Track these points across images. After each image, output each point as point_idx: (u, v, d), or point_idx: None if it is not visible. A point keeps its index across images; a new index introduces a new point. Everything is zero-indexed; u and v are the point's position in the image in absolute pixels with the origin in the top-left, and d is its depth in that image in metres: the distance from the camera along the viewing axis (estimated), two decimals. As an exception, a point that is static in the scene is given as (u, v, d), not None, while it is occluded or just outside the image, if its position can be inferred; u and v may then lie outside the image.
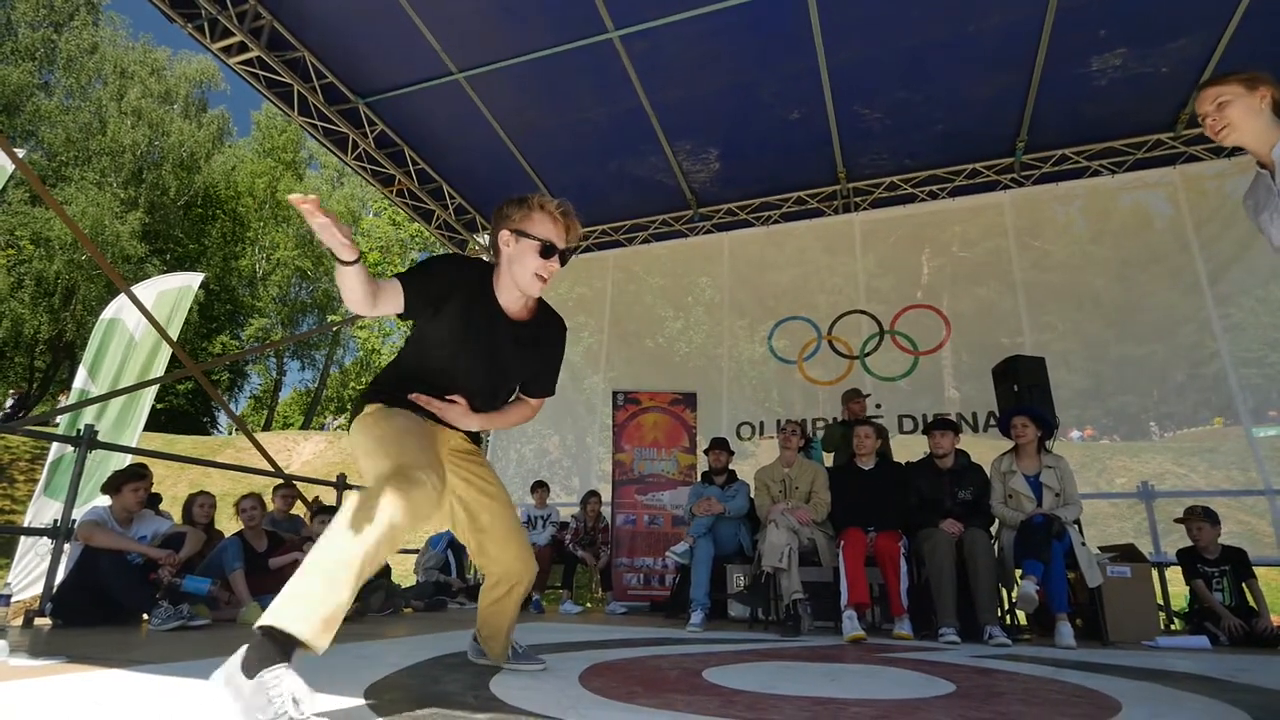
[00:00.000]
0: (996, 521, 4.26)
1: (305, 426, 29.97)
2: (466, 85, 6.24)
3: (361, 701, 1.72)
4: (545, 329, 2.11)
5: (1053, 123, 6.36)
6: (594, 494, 6.55)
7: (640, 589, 6.25)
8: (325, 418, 32.88)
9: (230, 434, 28.87)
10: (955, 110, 6.31)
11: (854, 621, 3.76)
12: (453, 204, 8.08)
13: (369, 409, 1.91)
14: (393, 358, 2.07)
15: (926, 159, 6.98)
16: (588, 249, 8.59)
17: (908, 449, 5.77)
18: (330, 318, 30.29)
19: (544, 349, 2.14)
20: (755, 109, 6.36)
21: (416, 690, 1.89)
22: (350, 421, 1.97)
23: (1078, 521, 4.13)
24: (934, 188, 7.13)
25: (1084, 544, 4.02)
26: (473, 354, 1.98)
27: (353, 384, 32.73)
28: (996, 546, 4.17)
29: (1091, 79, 5.85)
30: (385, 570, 5.77)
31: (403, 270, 2.10)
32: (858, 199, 7.37)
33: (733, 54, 5.79)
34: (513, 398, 2.27)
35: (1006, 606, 4.42)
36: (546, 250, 1.90)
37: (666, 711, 1.75)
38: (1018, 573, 3.90)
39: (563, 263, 1.96)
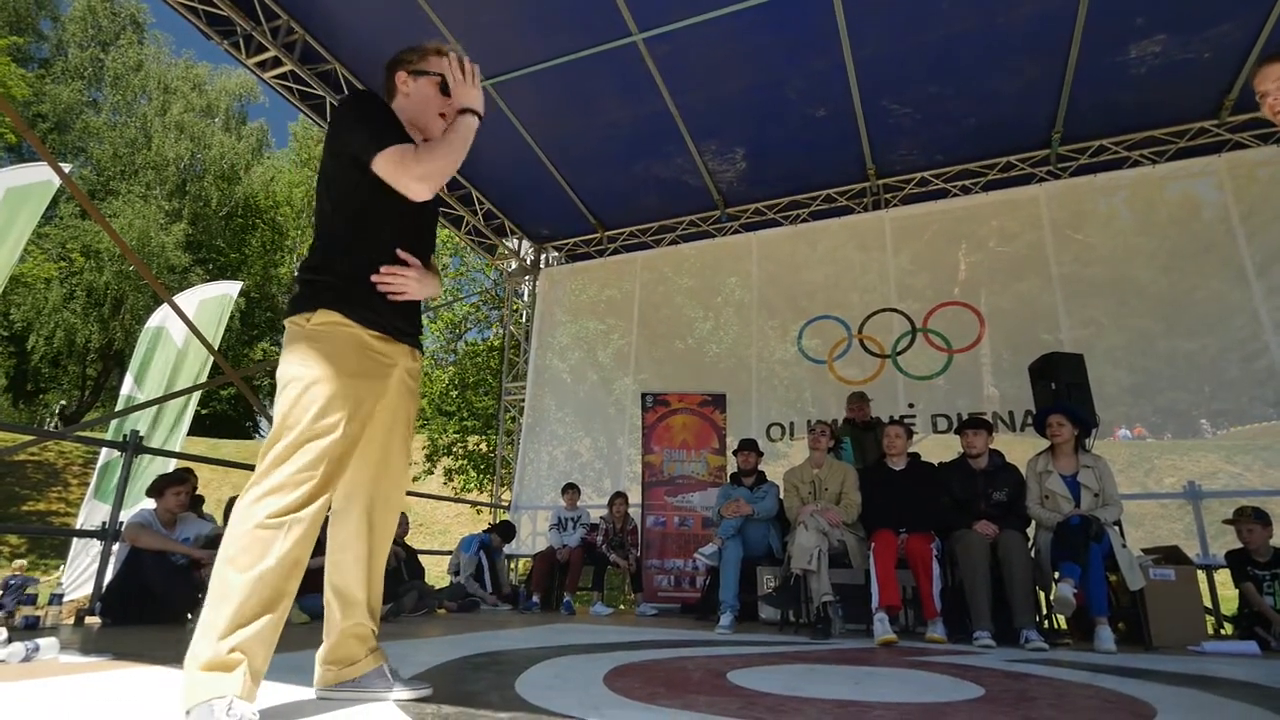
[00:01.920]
0: (1033, 523, 4.17)
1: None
2: (493, 92, 6.31)
3: (389, 698, 1.75)
4: None
5: (1090, 113, 6.19)
6: (620, 495, 6.57)
7: (671, 590, 6.25)
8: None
9: (272, 438, 29.46)
10: (987, 103, 6.18)
11: (885, 624, 3.71)
12: (481, 209, 8.19)
13: (316, 322, 1.66)
14: (324, 234, 1.79)
15: (958, 153, 6.86)
16: (615, 251, 8.62)
17: (945, 449, 5.67)
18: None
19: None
20: (781, 107, 6.32)
21: (442, 689, 1.92)
22: (288, 315, 1.70)
23: (1118, 523, 4.01)
24: (967, 182, 7.00)
25: (1124, 546, 3.90)
26: (410, 211, 1.79)
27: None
28: (1033, 548, 4.07)
29: (1129, 67, 5.69)
30: (419, 571, 5.86)
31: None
32: (888, 195, 7.27)
33: (757, 53, 5.75)
34: None
35: (1044, 610, 4.32)
36: (445, 86, 1.84)
37: (687, 712, 1.75)
38: (1054, 575, 3.81)
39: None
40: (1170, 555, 4.38)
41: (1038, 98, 6.11)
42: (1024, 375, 5.63)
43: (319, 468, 1.55)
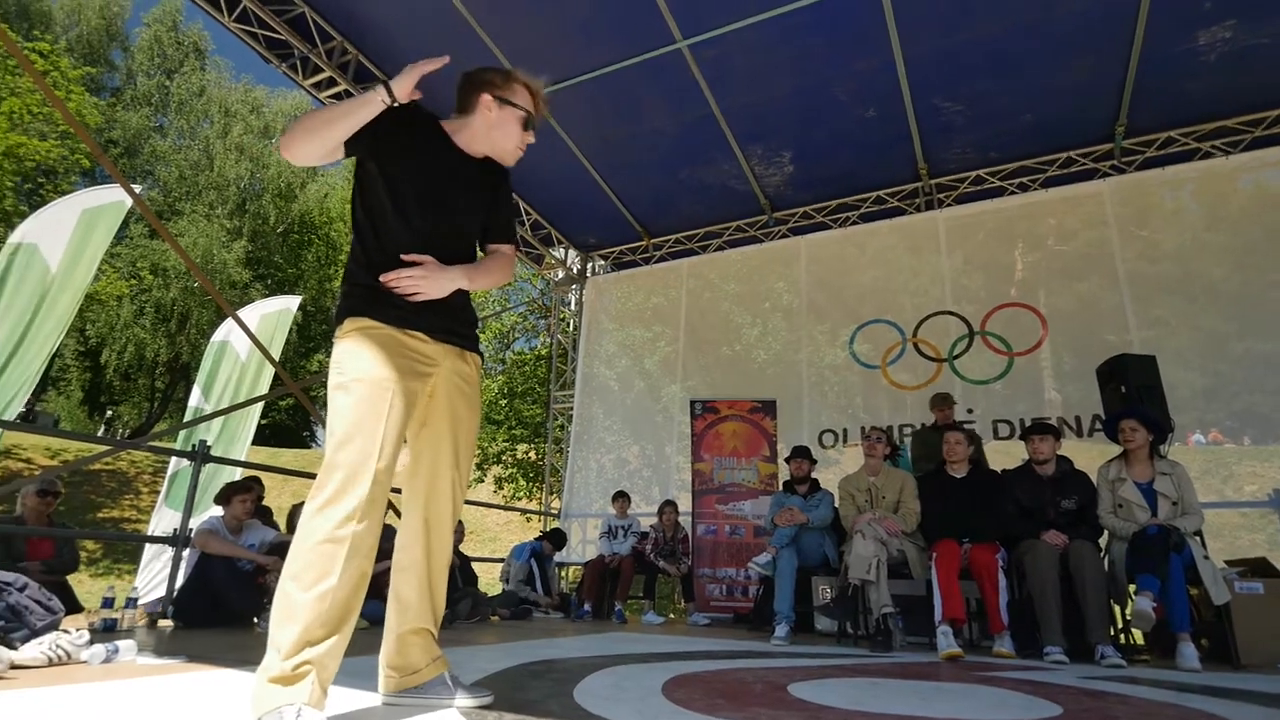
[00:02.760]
0: (1105, 533, 3.98)
1: (396, 439, 31.18)
2: (540, 104, 6.37)
3: (453, 705, 1.76)
4: (490, 167, 1.96)
5: (1155, 104, 5.93)
6: (670, 503, 6.52)
7: (723, 600, 6.18)
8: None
9: (328, 447, 30.36)
10: (1044, 98, 5.98)
11: (949, 638, 3.59)
12: (529, 220, 8.28)
13: (347, 330, 1.70)
14: (353, 243, 1.83)
15: (1015, 150, 6.65)
16: (662, 258, 8.62)
17: (1006, 455, 5.47)
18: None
19: (498, 189, 1.99)
20: (829, 109, 6.23)
21: (501, 696, 1.92)
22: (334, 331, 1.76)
23: (1199, 533, 3.80)
24: (1024, 179, 6.77)
25: (1207, 557, 3.69)
26: (424, 190, 1.79)
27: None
28: (1106, 560, 3.89)
29: (1197, 54, 5.43)
30: (472, 579, 5.92)
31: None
32: (941, 195, 7.09)
33: (803, 55, 5.69)
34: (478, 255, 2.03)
35: (1119, 625, 4.11)
36: (528, 123, 1.89)
37: (752, 727, 1.71)
38: (1131, 588, 3.62)
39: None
40: (1257, 568, 4.12)
41: (1099, 90, 5.89)
42: (1088, 378, 5.40)
43: (368, 474, 1.54)
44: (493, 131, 1.87)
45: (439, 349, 1.78)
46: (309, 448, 29.28)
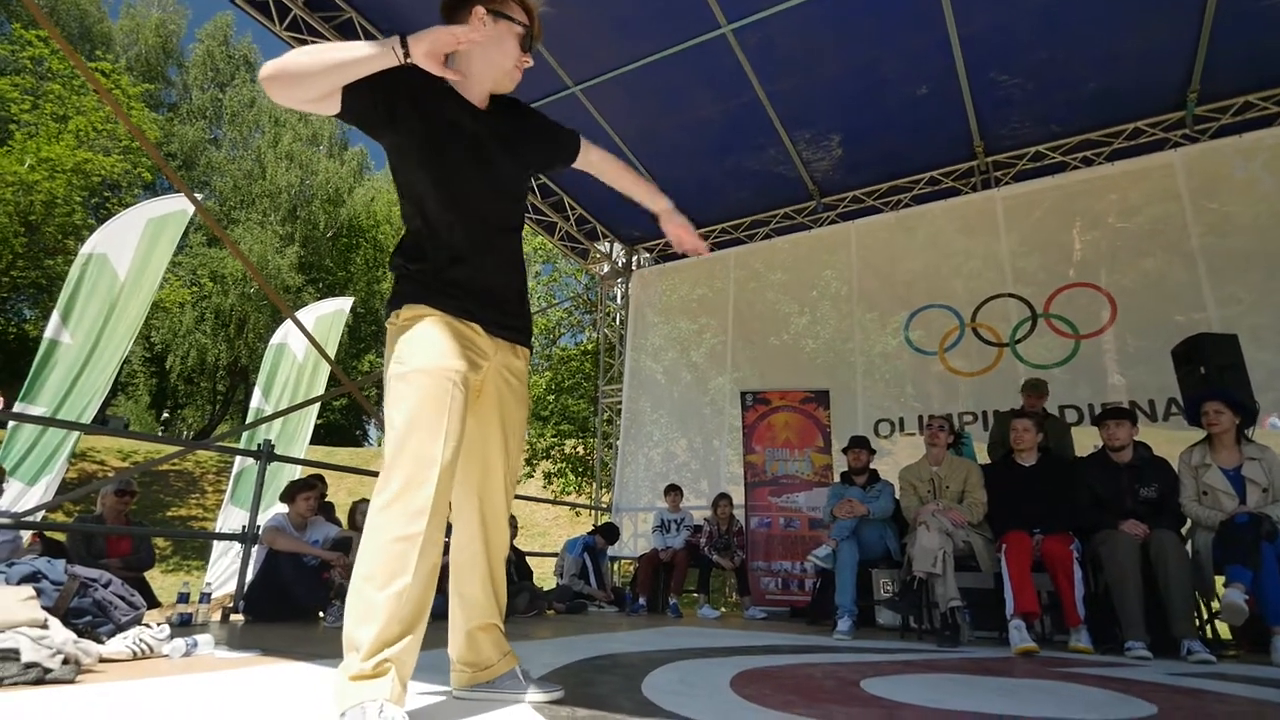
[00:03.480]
0: (1188, 522, 3.78)
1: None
2: (582, 97, 6.36)
3: (525, 700, 1.75)
4: (513, 110, 1.86)
5: (1231, 67, 5.59)
6: (725, 496, 6.46)
7: (779, 593, 6.09)
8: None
9: (379, 445, 31.21)
10: (1108, 65, 5.69)
11: (1023, 632, 3.45)
12: (573, 215, 8.29)
13: (405, 318, 1.64)
14: (404, 231, 1.76)
15: (1077, 123, 6.35)
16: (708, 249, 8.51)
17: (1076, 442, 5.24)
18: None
19: (531, 127, 1.88)
20: (879, 89, 6.05)
21: (570, 691, 1.90)
22: (386, 318, 1.70)
23: (1292, 520, 3.57)
24: (1088, 153, 6.47)
25: (1303, 546, 3.47)
26: (463, 160, 1.68)
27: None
28: (1190, 550, 3.69)
29: (1279, 10, 5.09)
30: (528, 573, 5.97)
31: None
32: (998, 173, 6.83)
33: (852, 34, 5.53)
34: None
35: (1205, 617, 3.90)
36: (526, 40, 1.72)
37: (832, 725, 1.65)
38: (1219, 580, 3.43)
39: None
40: (1357, 557, 3.86)
41: (1168, 55, 5.58)
42: (1156, 360, 5.15)
43: (434, 470, 1.50)
44: (488, 50, 1.68)
45: (492, 343, 1.74)
46: (361, 446, 30.05)
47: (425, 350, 1.59)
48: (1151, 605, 3.51)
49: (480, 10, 1.64)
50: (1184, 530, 3.81)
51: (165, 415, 27.22)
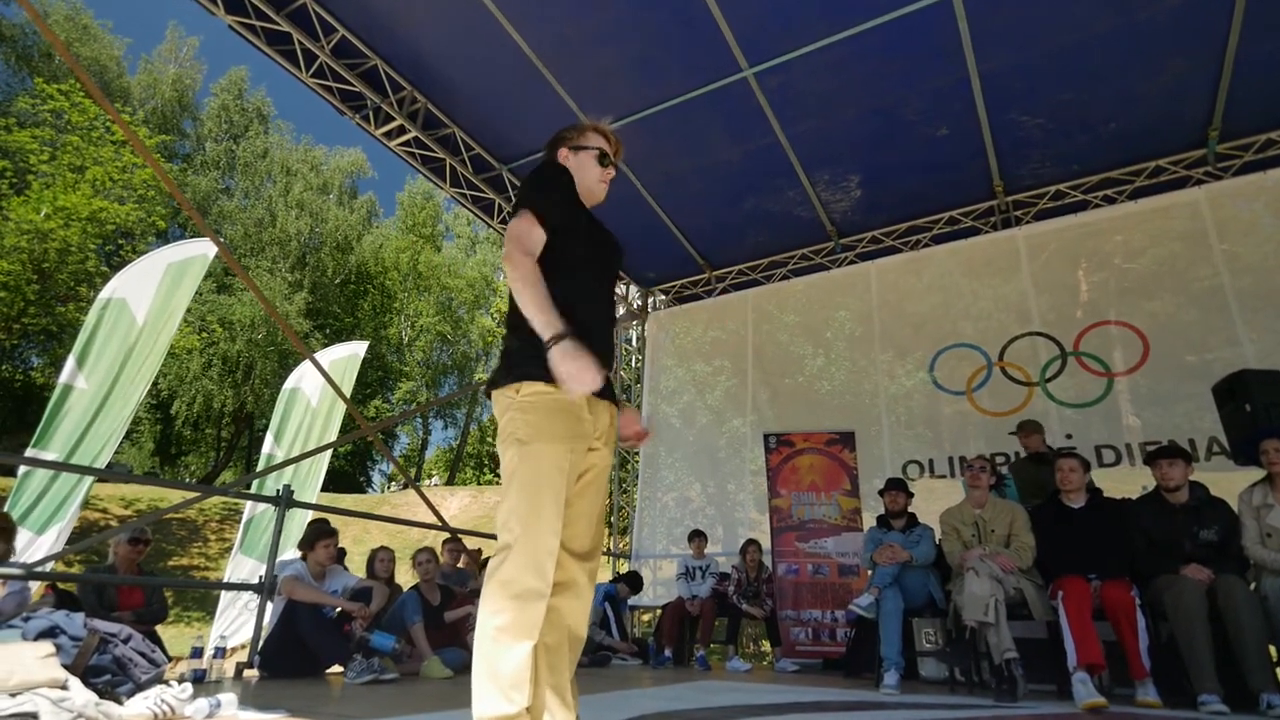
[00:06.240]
0: (1252, 566, 3.61)
1: (450, 482, 31.50)
2: (602, 140, 6.38)
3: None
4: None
5: (1252, 105, 5.62)
6: (753, 542, 6.25)
7: (809, 644, 5.84)
8: (466, 473, 34.51)
9: (383, 492, 30.85)
10: (1129, 105, 5.73)
11: (1089, 686, 3.25)
12: (590, 257, 8.27)
13: (526, 390, 1.67)
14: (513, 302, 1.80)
15: (1098, 162, 6.37)
16: (724, 290, 8.50)
17: (1111, 483, 5.08)
18: (476, 377, 32.03)
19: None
20: (898, 130, 6.08)
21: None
22: (495, 386, 1.72)
23: (1364, 564, 3.41)
24: (1109, 191, 6.47)
25: (1378, 591, 3.29)
26: (596, 259, 1.92)
27: (489, 439, 34.10)
28: (1258, 596, 3.51)
29: (1299, 49, 5.13)
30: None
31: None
32: (1018, 213, 6.82)
33: (873, 76, 5.58)
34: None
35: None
36: (603, 157, 1.97)
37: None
38: (1293, 627, 3.25)
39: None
40: None
41: (1189, 94, 5.61)
42: (1191, 399, 5.03)
43: (552, 548, 1.58)
44: (579, 176, 1.96)
45: (600, 405, 1.82)
46: (365, 492, 29.69)
47: (548, 429, 1.66)
48: (1220, 655, 3.32)
49: (564, 151, 1.98)
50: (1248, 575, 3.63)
51: (168, 461, 26.97)
